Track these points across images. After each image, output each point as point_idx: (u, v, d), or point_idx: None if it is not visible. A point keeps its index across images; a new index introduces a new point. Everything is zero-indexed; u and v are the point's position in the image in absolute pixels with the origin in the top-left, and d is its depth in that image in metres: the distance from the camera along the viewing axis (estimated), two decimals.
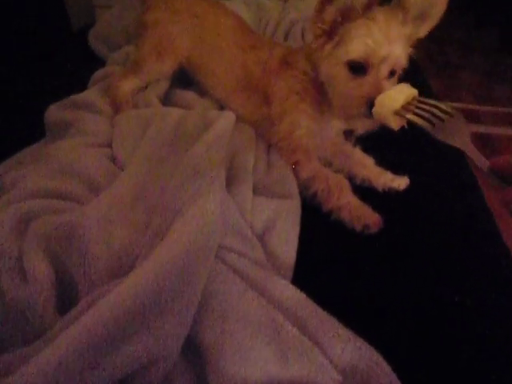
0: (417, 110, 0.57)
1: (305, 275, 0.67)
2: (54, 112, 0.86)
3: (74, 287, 0.54)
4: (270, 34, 1.20)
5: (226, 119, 0.67)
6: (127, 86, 0.94)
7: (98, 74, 1.03)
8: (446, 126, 0.52)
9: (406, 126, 0.66)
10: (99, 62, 1.15)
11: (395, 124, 0.65)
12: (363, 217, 0.73)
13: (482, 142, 2.12)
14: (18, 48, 1.29)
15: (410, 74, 1.21)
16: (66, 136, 0.81)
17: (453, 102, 2.37)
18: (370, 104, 0.68)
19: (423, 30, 0.77)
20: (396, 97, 0.64)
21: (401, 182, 0.83)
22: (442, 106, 0.55)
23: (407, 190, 0.84)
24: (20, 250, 0.54)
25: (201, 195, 0.55)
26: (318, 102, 0.83)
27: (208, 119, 0.69)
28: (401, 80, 0.78)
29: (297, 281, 0.66)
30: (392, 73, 0.76)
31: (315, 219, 0.75)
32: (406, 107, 0.61)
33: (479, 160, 0.46)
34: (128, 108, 0.90)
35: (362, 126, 0.81)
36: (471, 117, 2.30)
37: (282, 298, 0.59)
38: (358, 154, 0.88)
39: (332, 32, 0.76)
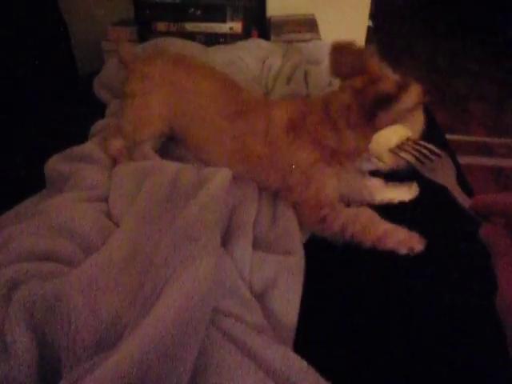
0: (409, 149, 0.63)
1: (307, 338, 0.63)
2: (53, 164, 0.86)
3: (57, 361, 0.50)
4: (272, 78, 1.20)
5: (222, 176, 0.64)
6: (118, 143, 0.92)
7: (98, 125, 1.03)
8: (434, 166, 0.57)
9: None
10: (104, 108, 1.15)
11: (389, 161, 0.70)
12: (404, 240, 0.73)
13: (493, 175, 2.07)
14: (21, 90, 1.31)
15: None
16: (64, 189, 0.80)
17: (463, 135, 2.33)
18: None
19: None
20: (390, 136, 0.69)
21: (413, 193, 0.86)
22: (432, 147, 0.60)
23: None
24: (3, 319, 0.52)
25: (193, 261, 0.52)
26: (338, 159, 0.80)
27: (203, 176, 0.67)
28: None
29: (299, 344, 0.62)
30: None
31: (319, 276, 0.71)
32: (399, 146, 0.68)
33: (462, 198, 0.48)
34: (123, 160, 0.89)
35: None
36: (483, 149, 2.25)
37: (281, 369, 0.54)
38: (367, 180, 0.87)
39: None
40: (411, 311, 0.68)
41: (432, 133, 1.10)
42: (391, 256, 0.75)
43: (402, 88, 0.71)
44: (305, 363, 0.55)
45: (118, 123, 0.97)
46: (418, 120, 0.76)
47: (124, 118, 0.95)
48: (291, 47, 1.31)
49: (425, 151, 0.60)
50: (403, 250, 0.73)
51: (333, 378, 0.54)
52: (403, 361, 0.61)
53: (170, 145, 0.98)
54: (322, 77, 1.17)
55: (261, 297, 0.65)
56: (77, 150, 0.89)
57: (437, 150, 0.59)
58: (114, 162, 0.89)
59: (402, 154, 0.64)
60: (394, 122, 0.71)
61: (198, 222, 0.57)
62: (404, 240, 0.73)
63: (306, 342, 0.62)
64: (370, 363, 0.62)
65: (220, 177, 0.65)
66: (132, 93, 0.95)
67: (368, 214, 0.77)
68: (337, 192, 0.81)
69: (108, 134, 0.95)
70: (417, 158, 0.60)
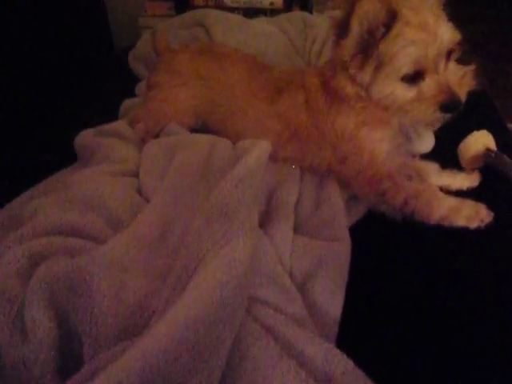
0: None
1: (353, 333, 0.56)
2: (83, 138, 0.82)
3: (79, 346, 0.46)
4: (316, 52, 1.11)
5: (261, 149, 0.57)
6: (142, 125, 0.87)
7: (127, 104, 1.00)
8: None
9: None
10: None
11: (468, 167, 0.80)
12: (473, 215, 0.69)
13: None
14: (58, 65, 1.29)
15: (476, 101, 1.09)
16: (93, 162, 0.76)
17: None
18: (444, 104, 0.67)
19: None
20: (472, 144, 0.78)
21: (472, 181, 0.80)
22: None
23: None
24: (23, 298, 0.48)
25: (228, 241, 0.46)
26: (385, 120, 0.74)
27: (240, 149, 0.60)
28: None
29: (343, 339, 0.55)
30: (449, 53, 0.70)
31: (366, 265, 0.64)
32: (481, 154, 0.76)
33: None
34: (152, 138, 0.84)
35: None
36: None
37: (324, 368, 0.48)
38: (420, 163, 0.82)
39: (367, 50, 0.68)
40: (473, 310, 0.60)
41: (491, 121, 1.01)
42: (447, 241, 0.69)
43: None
44: (351, 363, 0.49)
45: (140, 113, 0.92)
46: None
47: (146, 111, 0.90)
48: None
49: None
50: (474, 225, 0.69)
51: (380, 381, 0.48)
52: (462, 363, 0.54)
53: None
54: None
55: (302, 286, 0.59)
56: (107, 127, 0.85)
57: None
58: (143, 141, 0.84)
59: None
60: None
61: (234, 199, 0.51)
62: (472, 215, 0.69)
63: (350, 338, 0.55)
64: (426, 365, 0.55)
65: (258, 149, 0.58)
66: (157, 84, 0.91)
67: (432, 189, 0.73)
68: (393, 160, 0.75)
69: (132, 119, 0.91)
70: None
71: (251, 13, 1.59)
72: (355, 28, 0.66)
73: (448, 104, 0.67)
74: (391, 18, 0.66)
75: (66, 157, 0.85)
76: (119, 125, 0.88)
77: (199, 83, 0.87)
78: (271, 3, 1.60)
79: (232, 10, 1.57)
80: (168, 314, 0.42)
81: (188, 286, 0.44)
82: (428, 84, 0.68)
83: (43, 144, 0.96)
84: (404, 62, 0.66)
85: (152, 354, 0.40)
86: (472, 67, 0.71)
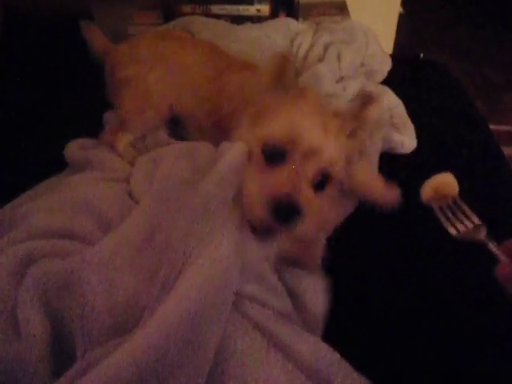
0: (446, 210, 0.61)
1: (338, 326, 0.58)
2: (73, 149, 0.83)
3: (71, 343, 0.47)
4: (302, 57, 1.14)
5: (237, 149, 0.59)
6: (122, 142, 0.86)
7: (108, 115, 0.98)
8: (467, 232, 0.57)
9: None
10: None
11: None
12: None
13: None
14: (42, 74, 1.29)
15: (454, 97, 1.12)
16: (85, 170, 0.77)
17: (496, 125, 2.21)
18: (275, 207, 0.52)
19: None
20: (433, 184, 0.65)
21: None
22: (473, 216, 0.58)
23: None
24: (16, 298, 0.49)
25: (212, 239, 0.48)
26: None
27: (219, 151, 0.62)
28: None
29: (329, 333, 0.57)
30: (322, 181, 0.60)
31: (352, 261, 0.67)
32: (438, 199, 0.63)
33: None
34: (131, 158, 0.84)
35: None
36: None
37: (311, 360, 0.50)
38: None
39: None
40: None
41: (475, 122, 1.04)
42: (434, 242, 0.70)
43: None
44: (337, 355, 0.51)
45: (118, 118, 0.91)
46: None
47: (124, 107, 0.88)
48: (321, 27, 1.25)
49: (463, 217, 0.59)
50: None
51: (366, 372, 0.50)
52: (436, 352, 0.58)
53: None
54: (355, 57, 1.10)
55: (287, 282, 0.60)
56: (93, 141, 0.88)
57: (476, 220, 0.57)
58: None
59: (437, 211, 0.61)
60: None
61: (215, 198, 0.52)
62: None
63: (335, 332, 0.57)
64: (408, 356, 0.58)
65: (234, 149, 0.59)
66: (126, 79, 0.88)
67: None
68: None
69: (106, 136, 0.89)
70: (448, 220, 0.59)
71: (238, 20, 1.61)
72: None
73: (282, 208, 0.53)
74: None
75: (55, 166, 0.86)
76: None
77: (163, 66, 0.87)
78: (258, 10, 1.62)
79: (219, 16, 1.60)
80: (157, 311, 0.44)
81: (176, 283, 0.46)
82: (281, 172, 0.56)
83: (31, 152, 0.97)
84: (278, 127, 0.59)
85: (142, 350, 0.41)
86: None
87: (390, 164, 0.85)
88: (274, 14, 1.62)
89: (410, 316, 0.63)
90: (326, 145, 0.58)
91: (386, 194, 0.71)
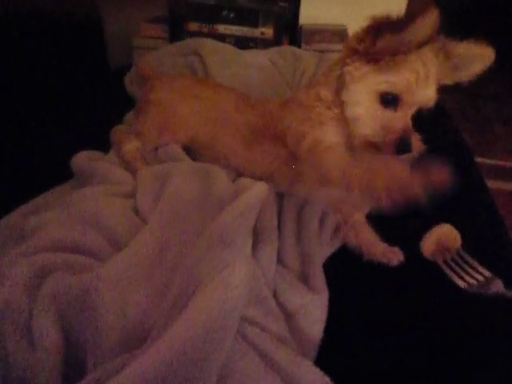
0: (451, 263, 0.62)
1: (331, 351, 0.61)
2: (80, 160, 0.87)
3: (82, 356, 0.50)
4: (305, 84, 1.19)
5: (259, 188, 0.65)
6: (132, 146, 0.92)
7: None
8: (481, 286, 0.57)
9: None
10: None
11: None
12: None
13: None
14: (54, 84, 1.32)
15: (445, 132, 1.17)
16: (92, 183, 0.80)
17: (486, 159, 2.29)
18: (399, 143, 0.69)
19: (453, 79, 0.77)
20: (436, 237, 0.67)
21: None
22: (480, 268, 0.59)
23: None
24: (31, 309, 0.51)
25: (225, 267, 0.52)
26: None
27: (240, 185, 0.67)
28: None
29: (322, 357, 0.60)
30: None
31: (346, 291, 0.70)
32: (442, 252, 0.65)
33: None
34: (139, 164, 0.89)
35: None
36: (507, 174, 2.21)
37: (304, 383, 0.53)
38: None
39: (374, 56, 0.71)
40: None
41: (461, 154, 1.09)
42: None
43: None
44: (327, 378, 0.54)
45: (133, 129, 0.98)
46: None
47: (146, 123, 0.95)
48: (325, 57, 1.30)
49: (470, 270, 0.59)
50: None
51: None
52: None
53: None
54: None
55: (284, 308, 0.63)
56: (100, 154, 0.92)
57: (485, 273, 0.58)
58: (128, 166, 0.89)
59: (442, 265, 0.63)
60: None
61: (234, 229, 0.56)
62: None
63: (328, 356, 0.60)
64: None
65: (257, 188, 0.65)
66: (158, 100, 0.96)
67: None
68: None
69: (120, 139, 0.96)
70: (457, 274, 0.60)
71: (243, 41, 1.67)
72: (410, 31, 0.65)
73: (403, 144, 0.69)
74: (418, 46, 0.68)
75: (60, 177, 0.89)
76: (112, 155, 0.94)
77: (196, 101, 0.95)
78: (262, 33, 1.68)
79: (224, 37, 1.65)
80: (168, 331, 0.46)
81: (187, 305, 0.49)
82: (398, 117, 0.71)
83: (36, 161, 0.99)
84: (398, 82, 0.69)
85: (151, 369, 0.44)
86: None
87: None
88: (277, 38, 1.67)
89: (406, 343, 0.63)
90: (428, 94, 0.72)
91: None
